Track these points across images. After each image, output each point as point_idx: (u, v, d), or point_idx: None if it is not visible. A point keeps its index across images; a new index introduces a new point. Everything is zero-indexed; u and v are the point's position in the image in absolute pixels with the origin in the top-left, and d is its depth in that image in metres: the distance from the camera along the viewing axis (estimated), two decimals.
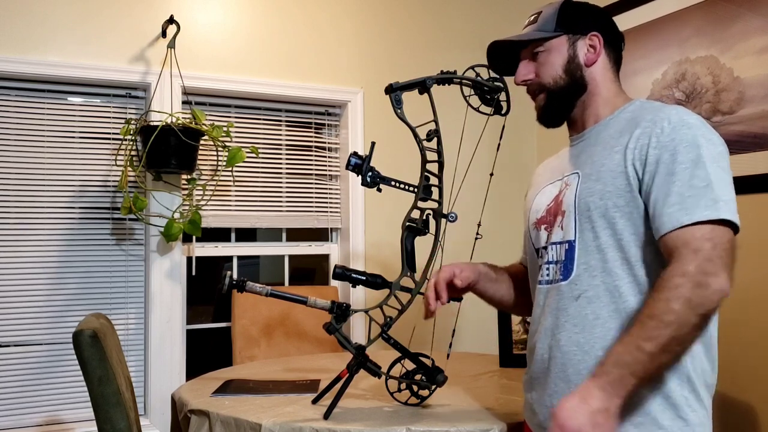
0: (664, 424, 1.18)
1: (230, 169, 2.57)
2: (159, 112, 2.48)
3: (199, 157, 2.53)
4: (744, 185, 2.23)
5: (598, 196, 1.24)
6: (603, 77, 1.36)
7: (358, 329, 2.88)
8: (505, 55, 1.46)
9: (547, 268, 1.35)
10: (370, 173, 1.60)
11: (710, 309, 1.09)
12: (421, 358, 1.61)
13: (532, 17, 1.41)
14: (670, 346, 1.10)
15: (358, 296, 2.87)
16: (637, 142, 1.21)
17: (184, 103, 2.63)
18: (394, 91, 1.59)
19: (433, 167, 1.63)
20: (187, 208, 2.52)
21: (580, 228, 1.27)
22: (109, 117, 2.57)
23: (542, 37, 1.36)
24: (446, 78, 1.60)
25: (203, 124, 2.44)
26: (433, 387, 1.61)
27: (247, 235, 3.00)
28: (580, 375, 1.23)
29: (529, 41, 1.38)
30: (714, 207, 1.12)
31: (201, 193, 2.60)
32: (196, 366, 2.72)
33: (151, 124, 2.39)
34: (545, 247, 1.36)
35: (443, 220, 1.59)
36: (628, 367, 1.10)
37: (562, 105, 1.37)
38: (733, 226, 1.14)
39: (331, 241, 3.00)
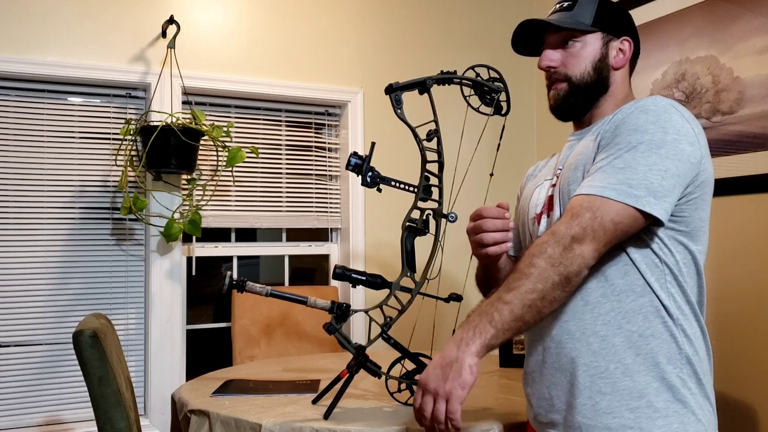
0: (660, 407, 1.18)
1: (230, 169, 2.57)
2: (159, 112, 2.48)
3: (199, 157, 2.54)
4: (744, 185, 2.24)
5: (576, 183, 1.25)
6: (622, 81, 1.38)
7: (358, 329, 2.88)
8: (529, 34, 1.43)
9: None
10: (370, 173, 1.60)
11: (570, 272, 1.12)
12: (421, 358, 1.61)
13: (567, 3, 1.38)
14: (528, 298, 1.12)
15: (358, 296, 2.87)
16: (604, 126, 1.26)
17: (184, 103, 2.63)
18: (394, 91, 1.59)
19: (433, 167, 1.63)
20: (187, 208, 2.52)
21: None
22: (109, 117, 2.57)
23: (581, 29, 1.35)
24: (446, 78, 1.60)
25: (203, 124, 2.44)
26: None
27: (247, 235, 3.00)
28: (573, 363, 1.23)
29: (567, 29, 1.36)
30: (612, 187, 1.15)
31: (201, 193, 2.60)
32: (196, 366, 2.72)
33: (151, 124, 2.39)
34: None
35: (443, 220, 1.60)
36: (487, 316, 1.13)
37: (583, 101, 1.37)
38: (642, 213, 1.15)
39: (331, 241, 3.00)
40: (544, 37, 1.40)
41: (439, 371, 1.14)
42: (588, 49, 1.35)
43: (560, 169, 1.35)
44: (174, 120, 2.40)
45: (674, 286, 1.21)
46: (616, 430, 1.18)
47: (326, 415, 1.50)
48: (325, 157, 2.98)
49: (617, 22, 1.37)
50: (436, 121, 1.60)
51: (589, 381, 1.21)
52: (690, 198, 1.20)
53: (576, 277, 1.14)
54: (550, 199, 1.34)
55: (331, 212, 2.97)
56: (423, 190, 1.61)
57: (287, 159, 2.89)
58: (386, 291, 1.63)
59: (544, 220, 1.37)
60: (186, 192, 2.57)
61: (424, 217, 1.62)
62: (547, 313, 1.15)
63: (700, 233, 1.24)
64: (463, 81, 1.61)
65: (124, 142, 2.49)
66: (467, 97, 1.62)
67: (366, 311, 1.63)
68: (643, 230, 1.19)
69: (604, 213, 1.14)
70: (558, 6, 1.40)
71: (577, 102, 1.37)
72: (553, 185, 1.36)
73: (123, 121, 2.52)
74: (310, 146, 2.95)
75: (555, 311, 1.25)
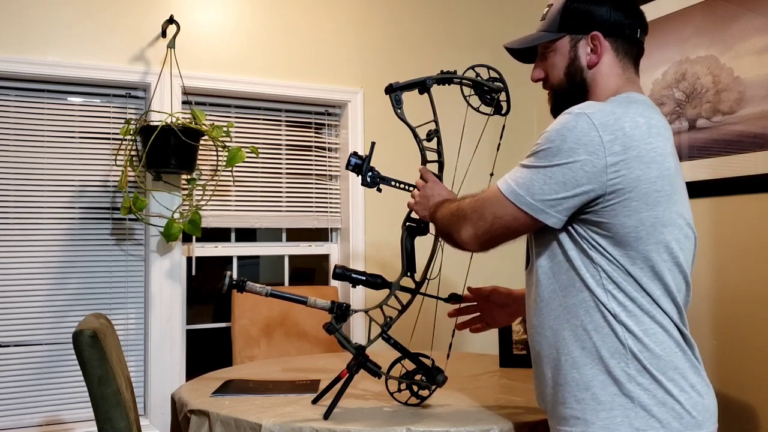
0: (604, 399, 1.21)
1: (230, 169, 2.57)
2: (159, 112, 2.48)
3: (199, 157, 2.53)
4: (744, 185, 2.24)
5: None
6: (607, 75, 1.34)
7: (358, 329, 2.88)
8: (525, 47, 1.45)
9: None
10: (370, 173, 1.60)
11: (452, 234, 1.37)
12: (421, 358, 1.61)
13: (545, 10, 1.40)
14: (447, 219, 1.40)
15: (358, 296, 2.87)
16: None
17: (184, 103, 2.63)
18: (394, 91, 1.59)
19: (433, 167, 1.63)
20: (187, 208, 2.52)
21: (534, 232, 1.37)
22: (109, 117, 2.57)
23: (545, 40, 1.36)
24: (446, 78, 1.60)
25: (203, 124, 2.44)
26: (433, 387, 1.61)
27: (247, 235, 3.00)
28: (539, 356, 1.33)
29: (527, 47, 1.40)
30: (503, 179, 1.29)
31: (201, 193, 2.59)
32: (196, 366, 2.72)
33: (151, 124, 2.39)
34: None
35: None
36: (442, 206, 1.46)
37: (565, 105, 1.35)
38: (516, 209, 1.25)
39: (331, 241, 3.00)
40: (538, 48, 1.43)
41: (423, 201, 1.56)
42: (558, 56, 1.37)
43: None
44: (174, 120, 2.40)
45: (611, 283, 1.22)
46: (567, 419, 1.25)
47: (326, 415, 1.50)
48: (325, 157, 2.98)
49: (582, 19, 1.33)
50: (436, 121, 1.60)
51: (550, 372, 1.30)
52: (605, 205, 1.20)
53: (452, 242, 1.38)
54: None
55: (331, 212, 2.97)
56: None
57: (287, 159, 2.89)
58: (386, 291, 1.63)
59: None
60: (186, 192, 2.57)
61: None
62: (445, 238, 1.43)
63: (631, 239, 1.20)
64: (463, 81, 1.61)
65: (124, 142, 2.49)
66: (467, 97, 1.62)
67: (366, 311, 1.63)
68: (572, 230, 1.25)
69: (490, 199, 1.28)
70: (541, 16, 1.42)
71: (561, 107, 1.36)
72: None
73: (123, 121, 2.52)
74: (310, 146, 2.95)
75: (528, 307, 1.37)
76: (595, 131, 1.18)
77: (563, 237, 1.26)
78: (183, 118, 2.43)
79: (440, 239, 1.50)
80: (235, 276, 1.64)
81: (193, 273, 2.68)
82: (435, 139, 1.61)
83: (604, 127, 1.18)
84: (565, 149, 1.19)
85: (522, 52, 1.46)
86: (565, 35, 1.35)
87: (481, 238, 1.30)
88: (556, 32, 1.35)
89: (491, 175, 1.71)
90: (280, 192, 2.87)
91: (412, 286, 1.62)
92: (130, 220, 2.57)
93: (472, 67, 1.62)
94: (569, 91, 1.36)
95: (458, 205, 1.37)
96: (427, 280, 1.61)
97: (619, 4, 1.34)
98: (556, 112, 1.39)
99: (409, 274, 1.63)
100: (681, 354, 1.23)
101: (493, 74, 1.62)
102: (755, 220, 2.20)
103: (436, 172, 1.63)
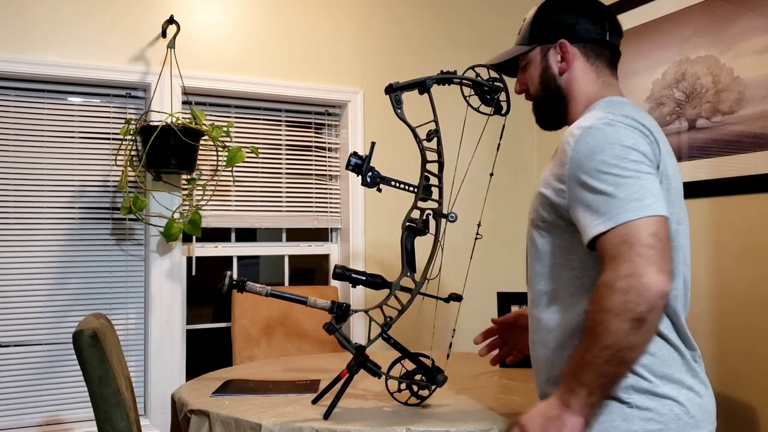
0: (602, 402, 1.22)
1: (230, 169, 2.57)
2: (159, 112, 2.48)
3: (199, 157, 2.53)
4: (744, 185, 2.24)
5: (534, 207, 1.33)
6: (582, 80, 1.37)
7: (358, 329, 2.88)
8: (509, 60, 1.50)
9: None
10: (370, 173, 1.60)
11: (640, 313, 1.07)
12: (421, 358, 1.61)
13: (521, 25, 1.47)
14: (605, 354, 1.10)
15: (358, 296, 2.88)
16: (556, 154, 1.28)
17: (184, 103, 2.63)
18: (394, 91, 1.59)
19: (433, 167, 1.63)
20: (187, 208, 2.52)
21: (529, 236, 1.36)
22: (109, 117, 2.57)
23: (518, 53, 1.42)
24: (446, 78, 1.60)
25: (203, 124, 2.44)
26: (433, 387, 1.61)
27: (247, 235, 3.00)
28: (538, 371, 1.35)
29: (502, 63, 1.46)
30: (625, 208, 1.12)
31: (201, 193, 2.60)
32: (196, 366, 2.72)
33: (151, 124, 2.39)
34: None
35: (443, 220, 1.60)
36: (575, 378, 1.15)
37: (548, 114, 1.44)
38: (658, 218, 1.12)
39: (331, 241, 3.00)
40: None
41: (540, 421, 1.19)
42: (533, 67, 1.42)
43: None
44: (174, 120, 2.40)
45: None
46: None
47: (326, 415, 1.50)
48: (325, 157, 2.98)
49: (549, 28, 1.38)
50: (436, 121, 1.60)
51: (540, 389, 1.35)
52: None
53: (651, 314, 1.07)
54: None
55: (331, 212, 2.97)
56: (423, 190, 1.61)
57: (287, 159, 2.89)
58: (386, 291, 1.63)
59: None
60: (186, 192, 2.57)
61: (424, 217, 1.62)
62: (634, 359, 1.13)
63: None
64: (463, 81, 1.61)
65: (124, 142, 2.49)
66: (467, 97, 1.62)
67: (366, 311, 1.63)
68: (571, 234, 1.24)
69: (634, 235, 1.09)
70: (519, 29, 1.48)
71: (544, 116, 1.45)
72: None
73: (123, 121, 2.52)
74: (310, 146, 2.95)
75: (528, 323, 1.38)
76: (621, 135, 1.21)
77: (582, 258, 1.25)
78: (183, 118, 2.43)
79: (441, 243, 1.50)
80: (235, 276, 1.64)
81: (193, 273, 2.68)
82: (435, 139, 1.60)
83: (633, 127, 1.23)
84: (627, 148, 1.18)
85: (506, 67, 1.52)
86: (536, 46, 1.40)
87: (669, 268, 1.10)
88: (528, 44, 1.41)
89: (491, 175, 1.71)
90: (280, 192, 2.87)
91: (412, 286, 1.62)
92: (130, 220, 2.57)
93: (472, 67, 1.62)
94: (546, 99, 1.41)
95: (602, 307, 1.10)
96: (427, 280, 1.61)
97: (585, 10, 1.37)
98: (540, 120, 1.46)
99: (409, 274, 1.62)
100: (678, 356, 1.23)
101: (493, 74, 1.62)
102: (755, 220, 2.20)
103: (436, 172, 1.63)
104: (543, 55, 1.39)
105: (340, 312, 1.59)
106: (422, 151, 1.61)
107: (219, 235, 2.80)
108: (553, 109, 1.41)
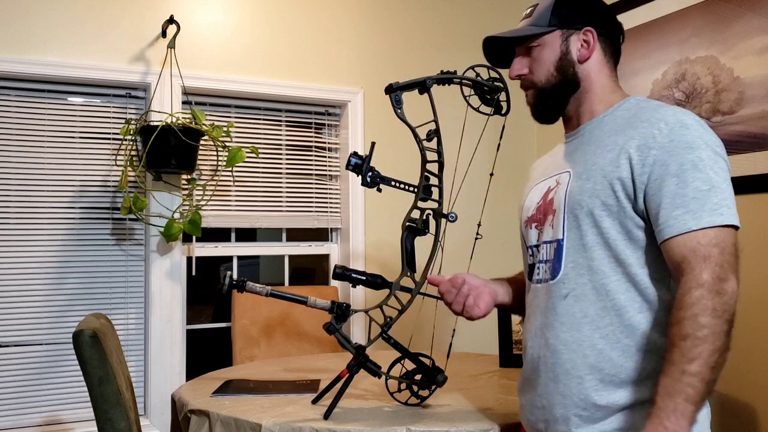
0: (601, 404, 1.20)
1: (230, 169, 2.57)
2: (159, 112, 2.48)
3: (199, 157, 2.53)
4: (744, 185, 2.24)
5: (588, 195, 1.23)
6: (598, 73, 1.34)
7: (358, 329, 2.88)
8: (501, 48, 1.44)
9: (539, 267, 1.34)
10: (370, 173, 1.60)
11: (733, 313, 1.09)
12: (421, 358, 1.61)
13: (529, 10, 1.40)
14: (712, 360, 1.07)
15: (358, 296, 2.87)
16: (633, 143, 1.20)
17: (184, 103, 2.63)
18: (394, 91, 1.59)
19: (433, 167, 1.63)
20: (187, 208, 2.52)
21: (569, 227, 1.26)
22: (109, 117, 2.57)
23: (535, 33, 1.34)
24: (446, 78, 1.60)
25: (203, 124, 2.44)
26: (433, 387, 1.61)
27: (247, 235, 3.00)
28: (568, 374, 1.23)
29: (519, 37, 1.36)
30: (718, 212, 1.12)
31: (201, 193, 2.60)
32: (196, 366, 2.72)
33: (151, 124, 2.39)
34: (537, 246, 1.36)
35: (443, 220, 1.60)
36: (680, 394, 1.07)
37: (554, 103, 1.36)
38: (737, 231, 1.14)
39: (331, 241, 3.00)
40: (516, 48, 1.40)
41: None
42: (547, 51, 1.34)
43: (562, 173, 1.33)
44: (174, 120, 2.40)
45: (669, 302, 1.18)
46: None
47: (326, 415, 1.50)
48: (325, 157, 2.98)
49: (576, 14, 1.33)
50: (436, 121, 1.60)
51: (584, 394, 1.21)
52: None
53: (734, 315, 1.10)
54: (548, 202, 1.33)
55: (331, 212, 2.97)
56: (423, 190, 1.61)
57: (287, 159, 2.89)
58: (386, 291, 1.63)
59: (533, 228, 1.37)
60: (186, 192, 2.57)
61: (424, 217, 1.62)
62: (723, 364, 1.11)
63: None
64: (463, 81, 1.61)
65: (124, 142, 2.49)
66: (467, 97, 1.62)
67: (366, 311, 1.63)
68: (649, 247, 1.19)
69: (725, 240, 1.12)
70: (523, 15, 1.41)
71: (548, 105, 1.36)
72: (548, 189, 1.35)
73: (123, 121, 2.52)
74: (310, 146, 2.95)
75: (553, 320, 1.26)
76: (715, 138, 1.24)
77: (642, 253, 1.21)
78: (183, 118, 2.43)
79: (441, 243, 1.50)
80: (235, 276, 1.64)
81: (193, 273, 2.68)
82: (435, 139, 1.60)
83: (715, 132, 1.26)
84: (721, 153, 1.21)
85: (498, 55, 1.45)
86: (556, 29, 1.33)
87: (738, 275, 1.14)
88: (548, 25, 1.33)
89: (491, 175, 1.71)
90: (280, 192, 2.87)
91: (412, 286, 1.62)
92: (130, 220, 2.57)
93: (472, 67, 1.62)
94: (559, 87, 1.34)
95: (707, 308, 1.08)
96: (427, 280, 1.61)
97: (608, 9, 1.37)
98: (540, 108, 1.37)
99: (409, 274, 1.62)
100: (656, 358, 1.18)
101: (493, 74, 1.62)
102: (755, 220, 2.20)
103: (436, 172, 1.63)
104: (564, 38, 1.33)
105: (340, 312, 1.59)
106: (422, 151, 1.61)
107: (219, 235, 2.80)
108: (562, 98, 1.34)
